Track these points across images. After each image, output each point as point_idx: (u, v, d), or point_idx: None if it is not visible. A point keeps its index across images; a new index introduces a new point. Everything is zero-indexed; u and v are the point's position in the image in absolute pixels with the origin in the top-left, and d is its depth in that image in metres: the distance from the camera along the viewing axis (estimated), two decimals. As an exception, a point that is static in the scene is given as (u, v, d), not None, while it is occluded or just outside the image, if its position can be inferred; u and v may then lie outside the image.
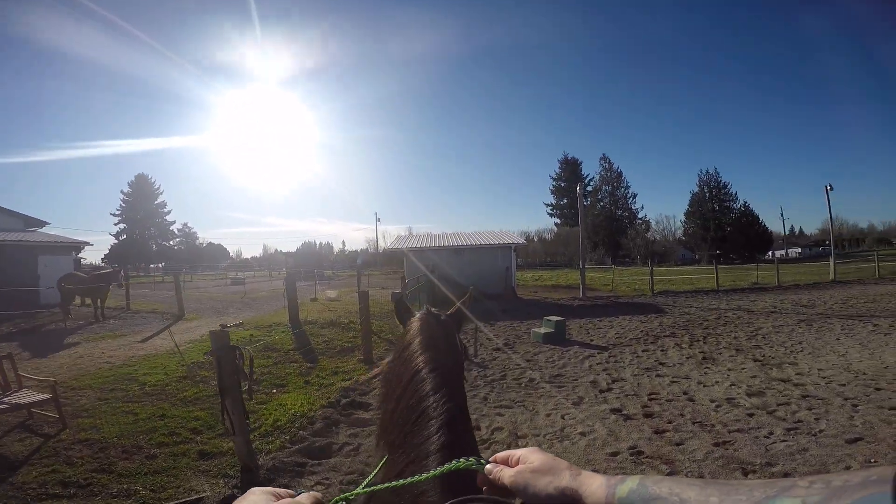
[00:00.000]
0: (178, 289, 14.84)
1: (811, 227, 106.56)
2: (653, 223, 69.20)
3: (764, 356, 8.20)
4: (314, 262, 56.35)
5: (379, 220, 61.38)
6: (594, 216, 60.78)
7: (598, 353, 8.59)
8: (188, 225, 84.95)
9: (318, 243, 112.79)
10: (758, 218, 61.00)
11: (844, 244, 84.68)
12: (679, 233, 73.97)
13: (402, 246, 18.91)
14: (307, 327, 10.46)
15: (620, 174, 63.01)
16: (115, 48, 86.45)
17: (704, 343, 9.37)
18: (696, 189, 70.06)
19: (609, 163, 63.60)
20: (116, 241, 71.89)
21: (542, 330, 9.91)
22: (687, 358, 8.21)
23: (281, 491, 0.70)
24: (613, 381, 6.88)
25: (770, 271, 27.93)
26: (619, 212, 62.06)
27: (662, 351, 8.78)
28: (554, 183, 68.68)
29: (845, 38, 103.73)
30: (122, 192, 73.19)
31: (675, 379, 6.93)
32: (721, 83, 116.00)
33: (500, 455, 0.77)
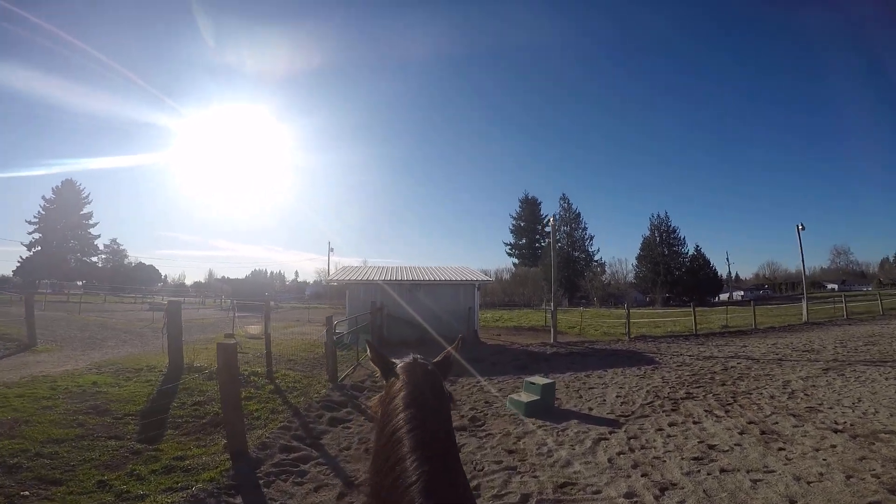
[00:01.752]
0: (28, 311, 10.98)
1: (746, 272, 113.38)
2: (606, 266, 69.72)
3: (837, 422, 5.97)
4: (257, 290, 51.13)
5: (332, 251, 57.67)
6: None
7: (609, 434, 5.90)
8: (117, 241, 76.83)
9: (268, 272, 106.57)
10: (709, 262, 62.84)
11: (781, 287, 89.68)
12: (630, 276, 75.28)
13: (347, 277, 15.80)
14: (189, 377, 7.13)
15: (578, 215, 63.51)
16: (54, 59, 79.00)
17: (740, 407, 6.97)
18: (648, 233, 71.79)
19: (568, 203, 64.11)
20: (30, 253, 62.97)
21: (524, 398, 7.10)
22: (739, 433, 5.75)
23: None
24: (662, 492, 4.19)
25: (737, 314, 27.14)
26: (576, 253, 61.92)
27: (696, 423, 6.26)
28: (514, 222, 68.32)
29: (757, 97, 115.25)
30: (43, 197, 65.10)
31: (755, 477, 4.45)
32: (671, 130, 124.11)
33: None
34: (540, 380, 7.45)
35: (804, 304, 22.26)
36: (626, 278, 75.28)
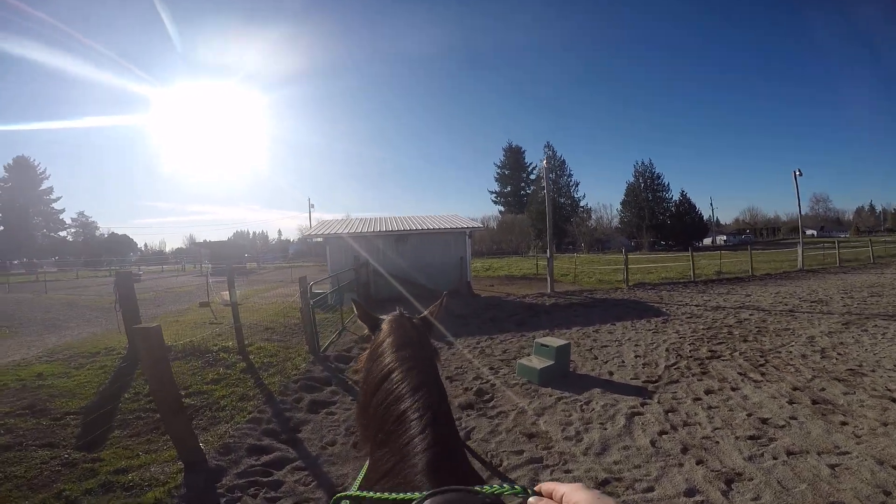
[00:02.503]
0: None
1: (726, 217, 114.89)
2: (591, 211, 69.27)
3: (890, 388, 5.33)
4: (237, 252, 49.31)
5: (313, 207, 55.50)
6: (538, 203, 59.13)
7: (642, 406, 5.06)
8: (84, 214, 73.06)
9: (251, 232, 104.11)
10: (695, 206, 62.73)
11: (762, 233, 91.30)
12: (615, 221, 75.35)
13: (327, 231, 14.44)
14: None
15: (563, 162, 61.99)
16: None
17: (775, 368, 6.23)
18: (632, 179, 71.05)
19: (552, 150, 62.35)
20: None
21: (536, 363, 6.18)
22: (788, 403, 4.98)
23: None
24: (729, 485, 3.39)
25: (728, 260, 26.90)
26: (561, 199, 60.95)
27: (734, 389, 5.48)
28: (498, 171, 66.46)
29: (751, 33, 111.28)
30: None
31: (831, 461, 3.87)
32: (657, 78, 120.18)
33: (545, 487, 0.71)
34: (553, 341, 6.54)
35: (800, 250, 21.84)
36: (610, 223, 75.45)
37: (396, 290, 14.14)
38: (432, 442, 0.90)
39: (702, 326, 9.31)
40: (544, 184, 15.80)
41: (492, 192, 67.37)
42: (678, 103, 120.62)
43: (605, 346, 7.98)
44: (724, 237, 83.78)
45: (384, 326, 1.36)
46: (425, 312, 1.59)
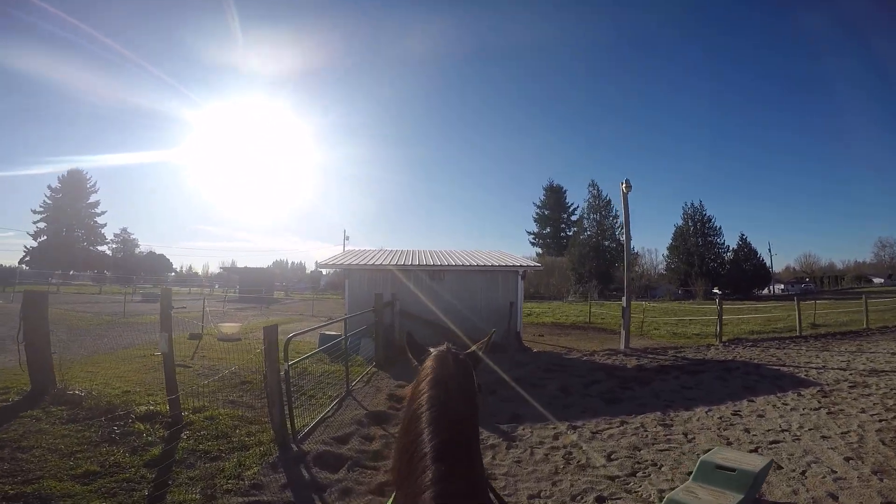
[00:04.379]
0: None
1: (777, 265, 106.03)
2: (637, 256, 64.85)
3: None
4: (267, 280, 48.18)
5: (347, 238, 54.18)
6: (580, 246, 55.47)
7: None
8: (127, 231, 75.24)
9: (289, 262, 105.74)
10: (756, 252, 57.37)
11: (823, 281, 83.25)
12: (661, 267, 70.44)
13: (346, 262, 11.91)
14: (40, 413, 3.54)
15: (609, 202, 58.50)
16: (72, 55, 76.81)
17: None
18: (681, 222, 66.67)
19: (597, 189, 59.04)
20: (35, 243, 61.26)
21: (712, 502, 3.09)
22: None
23: None
24: None
25: (814, 311, 22.56)
26: (606, 242, 57.09)
27: None
28: (538, 211, 63.74)
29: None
30: (49, 186, 63.08)
31: None
32: (706, 118, 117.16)
33: None
34: (740, 458, 3.48)
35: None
36: (656, 269, 70.60)
37: (428, 336, 11.26)
38: (437, 478, 0.91)
39: (885, 398, 5.97)
40: (623, 218, 12.83)
41: (530, 234, 64.59)
42: (729, 141, 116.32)
43: (777, 443, 4.88)
44: (782, 286, 76.56)
45: (427, 362, 1.36)
46: (473, 347, 1.55)
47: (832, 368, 8.83)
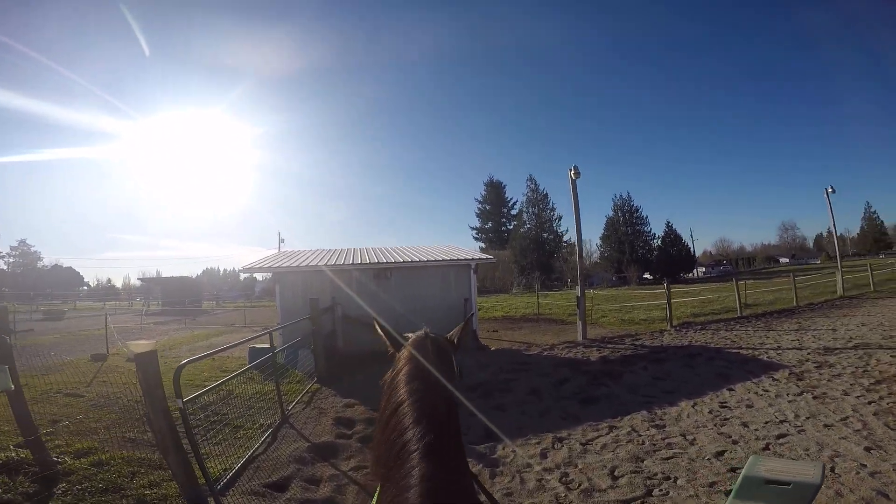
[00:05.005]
0: None
1: (698, 250, 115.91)
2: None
3: None
4: (193, 290, 43.89)
5: (283, 241, 50.54)
6: (521, 239, 56.39)
7: None
8: (26, 242, 65.76)
9: (221, 270, 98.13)
10: (681, 238, 61.42)
11: (738, 263, 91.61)
12: (595, 256, 73.70)
13: (276, 265, 10.33)
14: None
15: (546, 196, 60.05)
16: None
17: None
18: (612, 213, 70.02)
19: (535, 183, 60.40)
20: None
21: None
22: None
23: None
24: None
25: (748, 290, 24.01)
26: (545, 234, 58.47)
27: None
28: (479, 206, 63.95)
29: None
30: None
31: None
32: (634, 119, 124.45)
33: None
34: (789, 467, 2.67)
35: (839, 277, 19.15)
36: (590, 258, 73.69)
37: (376, 342, 10.08)
38: (426, 475, 0.87)
39: (857, 377, 5.78)
40: (574, 208, 12.35)
41: (473, 229, 64.64)
42: (656, 136, 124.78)
43: (784, 436, 4.49)
44: (703, 269, 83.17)
45: (403, 352, 1.29)
46: (453, 331, 1.53)
47: (787, 349, 8.82)
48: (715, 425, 4.93)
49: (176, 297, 36.98)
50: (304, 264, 10.13)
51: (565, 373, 7.73)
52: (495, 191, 62.84)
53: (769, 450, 4.23)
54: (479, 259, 11.56)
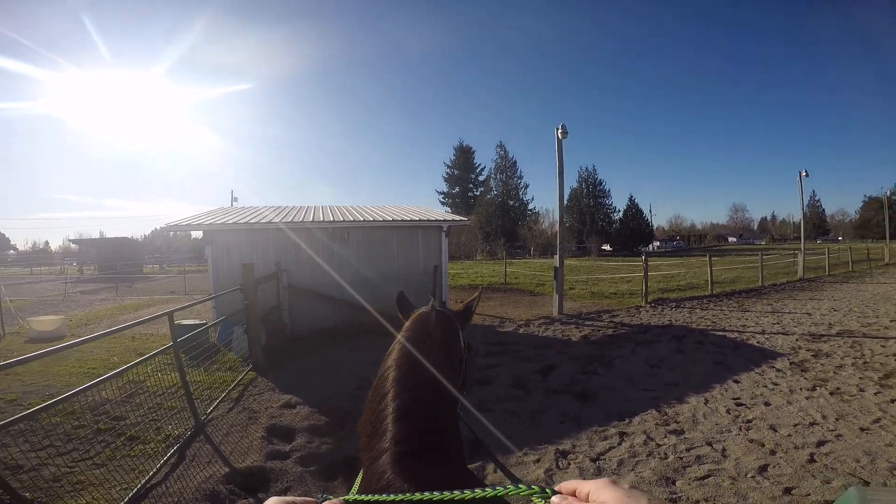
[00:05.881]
0: None
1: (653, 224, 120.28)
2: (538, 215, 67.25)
3: None
4: (134, 252, 40.23)
5: (236, 200, 46.55)
6: (486, 205, 55.43)
7: None
8: None
9: (172, 232, 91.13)
10: (642, 212, 62.54)
11: (690, 239, 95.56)
12: (557, 226, 74.48)
13: (205, 222, 8.63)
14: None
15: (514, 163, 58.87)
16: None
17: None
18: (576, 185, 70.21)
19: (504, 150, 58.89)
20: None
21: None
22: None
23: (299, 500, 0.63)
24: None
25: (701, 268, 24.26)
26: (511, 202, 57.76)
27: None
28: (448, 170, 61.76)
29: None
30: None
31: None
32: (602, 89, 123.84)
33: (567, 486, 0.59)
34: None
35: (801, 258, 19.44)
36: (552, 228, 74.41)
37: (329, 317, 8.78)
38: (398, 438, 0.83)
39: (860, 369, 5.23)
40: (558, 170, 11.20)
41: (439, 193, 62.73)
42: (621, 113, 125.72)
43: (823, 443, 3.72)
44: (658, 243, 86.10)
45: (405, 324, 1.20)
46: (465, 303, 1.39)
47: (772, 333, 8.34)
48: (740, 429, 4.14)
49: (114, 261, 33.74)
50: (242, 221, 8.47)
51: (549, 356, 6.80)
52: (464, 156, 60.93)
53: (815, 462, 3.50)
54: (453, 221, 10.31)
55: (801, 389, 5.16)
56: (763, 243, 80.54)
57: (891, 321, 9.05)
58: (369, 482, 0.81)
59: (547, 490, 0.60)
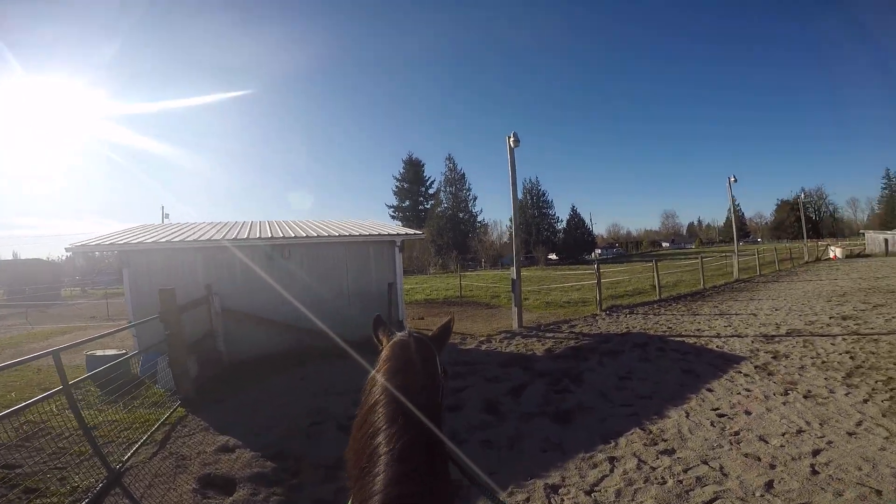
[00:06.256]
0: None
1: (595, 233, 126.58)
2: (488, 227, 68.22)
3: None
4: (50, 274, 36.06)
5: (167, 216, 42.82)
6: (437, 218, 55.34)
7: None
8: None
9: (97, 252, 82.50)
10: (584, 221, 65.04)
11: (628, 246, 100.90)
12: (505, 237, 76.06)
13: (120, 241, 7.37)
14: None
15: (463, 175, 59.39)
16: None
17: None
18: (521, 196, 72.04)
19: (453, 163, 59.43)
20: None
21: None
22: None
23: None
24: None
25: (647, 273, 25.27)
26: (461, 214, 58.08)
27: None
28: (397, 184, 61.14)
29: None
30: None
31: None
32: (535, 100, 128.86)
33: None
34: None
35: (735, 260, 20.67)
36: (500, 239, 75.81)
37: (271, 343, 7.86)
38: (392, 479, 0.83)
39: (822, 370, 5.27)
40: (511, 179, 10.99)
41: (390, 207, 61.89)
42: (562, 123, 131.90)
43: (819, 452, 3.48)
44: (599, 251, 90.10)
45: (384, 352, 1.18)
46: (433, 333, 1.33)
47: (727, 336, 8.47)
48: (731, 443, 3.88)
49: (26, 284, 30.05)
50: (164, 240, 7.37)
51: (516, 374, 6.37)
52: (414, 169, 60.72)
53: (818, 473, 3.31)
54: (406, 235, 9.72)
55: (774, 395, 5.05)
56: (693, 247, 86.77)
57: (829, 318, 9.54)
58: None
59: None
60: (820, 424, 4.16)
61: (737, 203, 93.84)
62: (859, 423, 4.12)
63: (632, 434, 4.20)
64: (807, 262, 27.37)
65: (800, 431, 4.04)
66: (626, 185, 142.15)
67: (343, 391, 5.71)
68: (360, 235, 8.86)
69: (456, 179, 58.86)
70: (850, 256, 30.05)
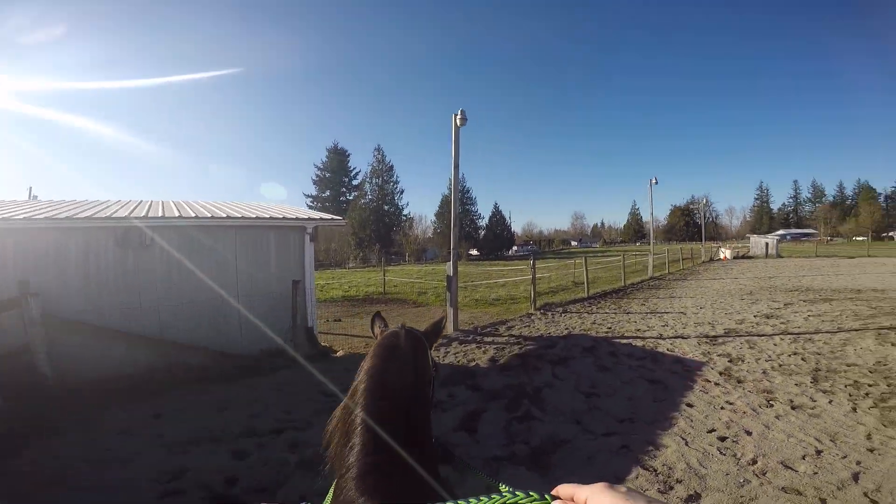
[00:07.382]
0: None
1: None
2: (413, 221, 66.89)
3: None
4: None
5: (35, 198, 35.03)
6: (360, 210, 52.54)
7: None
8: None
9: None
10: (505, 219, 66.23)
11: (541, 244, 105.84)
12: (429, 232, 75.53)
13: None
14: None
15: (392, 167, 57.07)
16: None
17: None
18: (447, 192, 71.86)
19: (382, 154, 56.70)
20: None
21: None
22: None
23: None
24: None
25: (569, 270, 25.71)
26: (386, 207, 55.83)
27: None
28: (318, 172, 56.77)
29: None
30: None
31: None
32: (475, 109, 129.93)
33: (565, 491, 0.60)
34: None
35: (650, 259, 21.53)
36: (425, 234, 75.13)
37: (125, 361, 5.75)
38: (368, 449, 0.84)
39: (787, 374, 4.80)
40: (454, 162, 9.67)
41: (308, 196, 57.42)
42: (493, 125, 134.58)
43: (855, 480, 2.45)
44: (516, 248, 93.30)
45: (373, 347, 1.14)
46: (426, 328, 1.33)
47: (671, 337, 8.04)
48: (757, 476, 3.12)
49: None
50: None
51: (465, 398, 5.08)
52: (338, 158, 57.09)
53: (867, 498, 2.37)
54: (321, 220, 7.92)
55: (760, 408, 4.38)
56: (598, 246, 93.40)
57: (754, 317, 9.63)
58: (336, 498, 0.81)
59: (546, 497, 0.61)
60: (832, 441, 3.54)
61: (636, 207, 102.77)
62: (869, 437, 3.61)
63: (635, 478, 3.14)
64: (703, 262, 29.92)
65: (819, 452, 3.33)
66: (540, 186, 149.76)
67: (219, 436, 3.96)
68: (256, 218, 6.91)
69: (384, 171, 56.56)
70: (737, 258, 33.53)
